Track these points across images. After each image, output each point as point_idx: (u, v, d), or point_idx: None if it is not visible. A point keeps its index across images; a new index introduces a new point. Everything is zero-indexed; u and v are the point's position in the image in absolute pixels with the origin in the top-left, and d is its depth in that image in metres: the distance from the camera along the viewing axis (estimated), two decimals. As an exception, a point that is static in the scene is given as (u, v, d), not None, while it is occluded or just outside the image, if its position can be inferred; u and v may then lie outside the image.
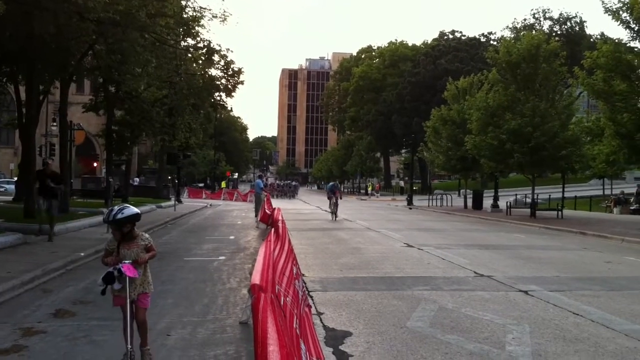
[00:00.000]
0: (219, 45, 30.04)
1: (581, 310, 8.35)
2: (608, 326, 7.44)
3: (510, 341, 6.67)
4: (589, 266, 13.49)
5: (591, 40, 59.88)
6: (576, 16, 78.85)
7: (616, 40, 24.11)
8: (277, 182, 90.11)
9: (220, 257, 14.11)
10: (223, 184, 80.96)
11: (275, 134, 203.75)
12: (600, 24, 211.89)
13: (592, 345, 6.58)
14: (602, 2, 23.91)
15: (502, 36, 67.27)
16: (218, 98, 33.77)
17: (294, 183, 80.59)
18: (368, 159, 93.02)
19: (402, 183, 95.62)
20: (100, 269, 11.76)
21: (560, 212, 32.19)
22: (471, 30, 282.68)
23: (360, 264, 12.96)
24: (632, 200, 40.67)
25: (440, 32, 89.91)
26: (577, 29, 77.66)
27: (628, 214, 37.91)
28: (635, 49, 23.71)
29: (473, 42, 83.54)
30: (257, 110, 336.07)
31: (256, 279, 3.53)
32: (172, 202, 36.93)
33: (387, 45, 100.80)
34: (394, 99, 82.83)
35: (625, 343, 6.70)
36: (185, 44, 28.18)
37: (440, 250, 15.69)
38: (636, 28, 23.26)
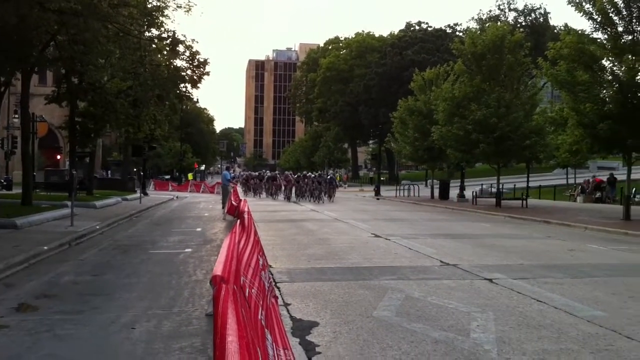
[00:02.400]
0: (184, 36, 29.75)
1: (544, 297, 8.46)
2: (571, 313, 7.56)
3: (475, 328, 6.74)
4: (553, 254, 13.70)
5: (555, 31, 60.61)
6: (540, 7, 79.96)
7: (579, 32, 24.41)
8: (297, 174, 49.71)
9: (187, 250, 14.00)
10: (190, 176, 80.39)
11: (242, 125, 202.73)
12: (564, 15, 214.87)
13: (555, 332, 6.67)
14: (566, -7, 24.20)
15: (468, 27, 67.73)
16: (183, 89, 33.47)
17: (329, 176, 46.14)
18: (336, 150, 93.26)
19: (370, 174, 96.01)
20: (64, 262, 11.65)
21: (524, 201, 32.65)
22: (437, 21, 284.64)
23: (328, 255, 12.96)
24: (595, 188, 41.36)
25: (407, 23, 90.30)
26: (542, 20, 78.66)
27: (591, 203, 38.61)
28: (598, 40, 24.04)
29: (439, 33, 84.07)
30: (224, 102, 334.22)
31: (218, 270, 3.49)
32: (137, 195, 36.53)
33: (354, 36, 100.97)
34: (361, 90, 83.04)
35: (587, 329, 6.81)
36: (150, 34, 27.84)
37: (407, 240, 15.78)
38: (599, 19, 23.57)
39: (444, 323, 6.99)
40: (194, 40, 29.81)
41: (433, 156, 42.07)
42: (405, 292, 8.74)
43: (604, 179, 41.76)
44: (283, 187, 45.01)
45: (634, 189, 34.23)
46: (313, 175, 43.56)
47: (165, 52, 28.47)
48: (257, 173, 53.39)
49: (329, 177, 44.74)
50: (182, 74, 29.52)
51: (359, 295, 8.54)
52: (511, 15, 78.86)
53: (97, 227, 18.42)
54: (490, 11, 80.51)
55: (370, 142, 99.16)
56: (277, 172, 59.95)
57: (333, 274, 10.34)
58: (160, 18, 26.76)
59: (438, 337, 6.38)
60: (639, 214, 25.40)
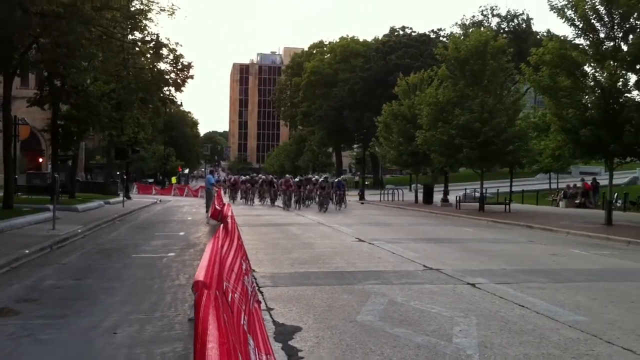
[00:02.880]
0: (168, 39, 29.68)
1: (527, 302, 8.51)
2: (552, 317, 7.60)
3: (458, 333, 6.76)
4: (535, 259, 13.79)
5: (538, 37, 61.11)
6: (523, 13, 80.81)
7: (562, 38, 24.63)
8: (300, 177, 43.17)
9: (170, 254, 13.93)
10: (173, 180, 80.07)
11: (226, 129, 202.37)
12: (547, 21, 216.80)
13: (536, 337, 6.71)
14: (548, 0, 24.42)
15: (451, 33, 68.09)
16: (167, 92, 33.29)
17: (338, 179, 40.01)
18: (320, 154, 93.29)
19: (356, 178, 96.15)
20: (45, 266, 11.54)
21: (507, 206, 32.83)
22: (421, 26, 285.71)
23: (311, 259, 12.95)
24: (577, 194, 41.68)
25: (391, 28, 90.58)
26: (524, 26, 79.30)
27: (573, 207, 38.90)
28: (580, 46, 24.26)
29: (423, 38, 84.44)
30: (208, 105, 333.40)
31: (200, 275, 3.47)
32: (120, 198, 36.28)
33: (338, 40, 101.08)
34: (345, 94, 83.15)
35: (569, 334, 6.85)
36: (133, 37, 27.76)
37: (390, 245, 15.81)
38: (581, 25, 23.79)
39: (426, 328, 7.00)
40: (177, 43, 29.72)
41: (417, 161, 42.22)
42: (389, 296, 8.75)
43: (591, 183, 42.08)
44: (281, 193, 39.01)
45: (615, 194, 34.56)
46: (317, 179, 37.96)
47: (148, 55, 28.35)
48: (247, 176, 46.74)
49: (336, 180, 39.43)
50: (166, 77, 29.38)
51: (342, 300, 8.54)
52: (494, 21, 79.50)
53: (80, 230, 18.28)
54: (473, 17, 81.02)
55: (355, 146, 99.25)
56: (272, 176, 51.89)
57: (316, 279, 10.33)
58: (144, 21, 26.70)
59: (421, 342, 6.40)
60: (621, 219, 25.65)
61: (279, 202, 38.53)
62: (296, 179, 38.58)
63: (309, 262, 12.44)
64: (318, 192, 35.17)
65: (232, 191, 43.60)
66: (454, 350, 6.13)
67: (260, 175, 49.14)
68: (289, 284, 9.80)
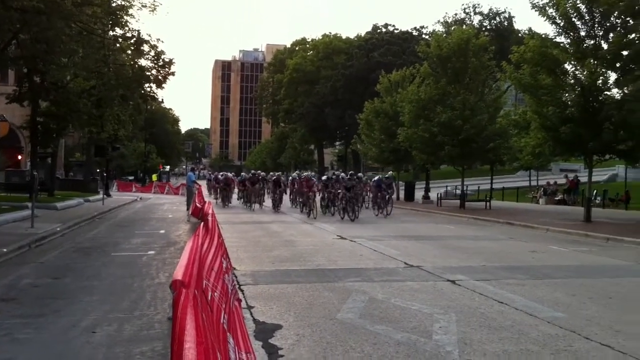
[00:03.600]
0: (149, 35, 29.48)
1: (506, 298, 8.56)
2: (531, 314, 7.65)
3: (437, 330, 6.78)
4: (515, 255, 13.88)
5: (519, 35, 61.49)
6: (505, 11, 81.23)
7: (543, 36, 24.81)
8: (326, 175, 37.61)
9: (150, 252, 13.85)
10: (154, 177, 79.58)
11: (208, 126, 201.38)
12: (528, 20, 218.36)
13: (515, 333, 6.75)
14: (530, -2, 24.58)
15: (434, 30, 68.44)
16: (148, 89, 33.09)
17: (376, 177, 32.54)
18: (302, 151, 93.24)
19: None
20: (24, 265, 11.42)
21: (488, 203, 33.04)
22: (404, 24, 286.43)
23: (293, 257, 12.94)
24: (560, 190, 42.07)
25: (374, 25, 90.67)
26: (506, 24, 79.79)
27: (553, 204, 39.26)
28: (561, 44, 24.46)
29: (405, 35, 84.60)
30: (190, 102, 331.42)
31: (178, 274, 3.45)
32: (100, 196, 36.03)
33: (321, 37, 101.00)
34: (327, 92, 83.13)
35: (548, 330, 6.90)
36: (114, 33, 27.51)
37: (372, 242, 15.83)
38: (562, 24, 23.98)
39: (407, 325, 7.02)
40: (159, 39, 29.56)
41: (399, 158, 42.33)
42: (369, 294, 8.76)
43: (572, 179, 42.46)
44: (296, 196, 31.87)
45: (594, 191, 34.91)
46: (344, 176, 27.32)
47: (129, 52, 28.18)
48: (245, 174, 37.59)
49: (376, 178, 30.67)
50: (147, 73, 29.21)
51: (323, 298, 8.54)
52: (476, 19, 79.95)
53: (58, 229, 18.11)
54: (455, 14, 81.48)
55: (337, 143, 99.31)
56: (278, 173, 42.32)
57: (297, 276, 10.32)
58: (125, 17, 26.46)
59: (401, 339, 6.41)
60: (600, 216, 25.90)
61: (283, 206, 31.06)
62: (323, 177, 30.91)
63: (290, 260, 12.42)
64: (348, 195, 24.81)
65: (224, 191, 34.80)
66: (433, 347, 6.14)
67: (260, 172, 40.54)
68: (270, 282, 9.78)
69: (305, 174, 34.34)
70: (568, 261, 13.15)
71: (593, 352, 6.10)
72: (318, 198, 28.01)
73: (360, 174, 31.35)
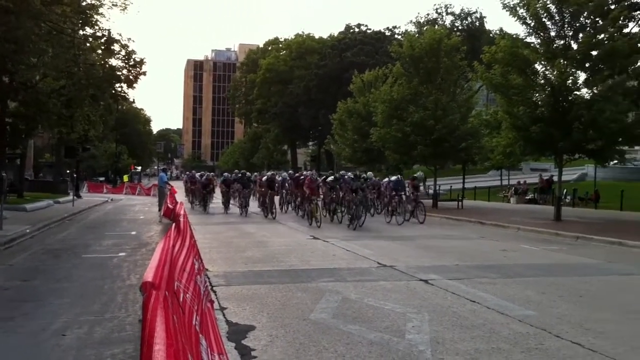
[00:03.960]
0: (120, 35, 29.04)
1: (478, 297, 8.63)
2: (503, 312, 7.72)
3: (410, 329, 6.80)
4: (487, 254, 13.99)
5: (490, 35, 62.08)
6: (476, 12, 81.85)
7: (514, 36, 25.08)
8: (335, 175, 26.83)
9: (121, 254, 13.70)
10: (125, 178, 78.79)
11: (180, 126, 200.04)
12: (500, 20, 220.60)
13: (487, 331, 6.80)
14: (501, -2, 24.82)
15: (406, 30, 68.75)
16: (119, 89, 32.70)
17: (396, 178, 25.74)
18: (275, 151, 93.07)
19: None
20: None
21: (460, 203, 33.28)
22: (377, 24, 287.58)
23: (266, 257, 12.89)
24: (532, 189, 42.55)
25: (347, 25, 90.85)
26: (478, 25, 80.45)
27: (524, 204, 39.70)
28: (532, 45, 24.74)
29: (378, 35, 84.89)
30: (162, 102, 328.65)
31: (149, 276, 3.41)
32: (70, 197, 35.55)
33: (294, 37, 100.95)
34: (301, 92, 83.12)
35: (519, 328, 6.96)
36: (84, 33, 27.17)
37: (345, 242, 15.84)
38: (532, 24, 24.26)
39: (380, 324, 7.03)
40: (130, 39, 29.12)
41: (372, 158, 42.45)
42: (343, 294, 8.76)
43: (547, 179, 42.94)
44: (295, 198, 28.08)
45: (564, 190, 35.36)
46: (350, 176, 23.97)
47: (100, 51, 27.84)
48: (229, 174, 32.82)
49: (392, 178, 25.90)
50: (118, 73, 28.87)
51: (296, 298, 8.52)
52: (448, 19, 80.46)
53: (28, 230, 17.85)
54: (428, 15, 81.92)
55: (310, 143, 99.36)
56: (272, 172, 36.45)
57: (270, 277, 10.28)
58: (95, 16, 26.16)
59: (374, 339, 6.42)
60: (569, 215, 26.25)
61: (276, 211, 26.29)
62: (329, 178, 24.63)
63: (262, 261, 12.38)
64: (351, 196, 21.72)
65: (204, 194, 30.40)
66: (406, 347, 6.16)
67: (259, 173, 37.19)
68: (243, 283, 9.73)
69: (307, 173, 30.06)
70: (539, 260, 13.29)
71: (563, 350, 6.17)
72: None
73: (369, 173, 27.86)
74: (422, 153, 32.14)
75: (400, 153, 34.22)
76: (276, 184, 28.41)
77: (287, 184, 29.75)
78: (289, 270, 11.03)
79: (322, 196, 23.54)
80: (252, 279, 10.18)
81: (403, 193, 24.27)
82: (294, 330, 6.81)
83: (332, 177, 24.87)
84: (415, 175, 27.74)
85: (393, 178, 25.60)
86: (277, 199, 28.28)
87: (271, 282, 9.82)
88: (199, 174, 36.13)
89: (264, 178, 29.01)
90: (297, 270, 11.10)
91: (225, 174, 33.82)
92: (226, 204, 29.49)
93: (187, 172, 39.00)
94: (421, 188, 27.51)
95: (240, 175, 31.04)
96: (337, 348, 6.12)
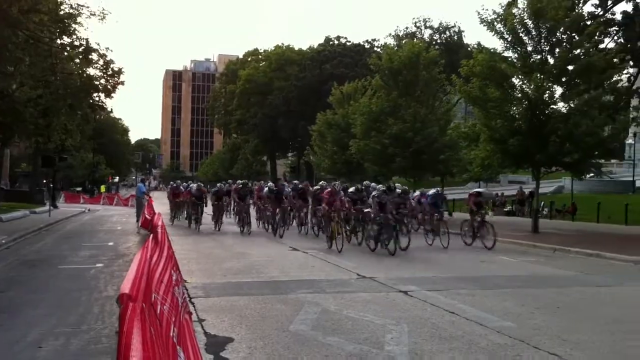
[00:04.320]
0: (98, 44, 28.91)
1: (457, 308, 8.65)
2: (481, 323, 7.74)
3: (389, 341, 6.80)
4: (465, 266, 14.05)
5: (468, 49, 62.69)
6: (455, 26, 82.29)
7: (491, 50, 25.35)
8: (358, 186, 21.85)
9: (98, 265, 13.55)
10: (103, 188, 78.12)
11: (159, 136, 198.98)
12: (478, 34, 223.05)
13: (465, 343, 6.81)
14: (478, 13, 25.10)
15: (385, 43, 69.12)
16: (97, 99, 32.46)
17: (435, 191, 22.04)
18: (255, 162, 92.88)
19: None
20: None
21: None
22: (356, 36, 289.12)
23: (245, 269, 12.83)
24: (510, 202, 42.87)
25: (326, 37, 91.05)
26: (456, 39, 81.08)
27: (502, 215, 39.96)
28: (509, 59, 25.03)
29: (358, 48, 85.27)
30: (140, 112, 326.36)
31: (125, 287, 3.38)
32: (47, 208, 35.15)
33: (273, 48, 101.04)
34: (280, 103, 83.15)
35: (497, 339, 6.99)
36: (61, 42, 26.92)
37: (324, 253, 15.81)
38: (509, 39, 24.56)
39: (359, 336, 7.02)
40: (108, 48, 28.87)
41: (351, 170, 42.52)
42: (322, 305, 8.74)
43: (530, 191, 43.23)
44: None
45: (542, 202, 35.69)
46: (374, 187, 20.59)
47: (77, 60, 27.62)
48: (222, 185, 30.57)
49: (431, 192, 21.90)
50: (96, 83, 28.64)
51: (275, 310, 8.48)
52: (427, 33, 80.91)
53: (3, 241, 17.60)
54: (407, 28, 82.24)
55: (289, 154, 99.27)
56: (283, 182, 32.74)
57: (250, 288, 10.23)
58: (73, 25, 25.93)
59: (352, 351, 6.40)
60: (547, 227, 26.46)
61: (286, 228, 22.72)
62: (350, 189, 20.79)
63: (242, 272, 12.32)
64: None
65: (195, 208, 25.39)
66: (385, 358, 6.17)
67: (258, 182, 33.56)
68: (222, 295, 9.67)
69: (333, 184, 21.91)
70: (517, 271, 13.37)
71: (541, 361, 6.20)
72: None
73: (405, 188, 20.12)
74: (401, 165, 32.31)
75: (379, 165, 34.37)
76: (285, 197, 23.17)
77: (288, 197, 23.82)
78: (269, 282, 10.98)
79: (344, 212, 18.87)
80: (232, 290, 10.12)
81: (443, 210, 20.70)
82: (273, 341, 6.78)
83: (354, 188, 20.72)
84: (480, 190, 22.98)
85: (431, 192, 21.62)
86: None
87: (251, 293, 9.77)
88: (183, 184, 32.34)
89: (266, 189, 24.78)
90: (277, 281, 11.06)
91: (219, 184, 30.84)
92: (218, 220, 24.67)
93: (172, 183, 33.80)
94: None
95: (241, 185, 25.99)
96: (316, 359, 6.10)
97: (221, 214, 25.59)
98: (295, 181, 30.89)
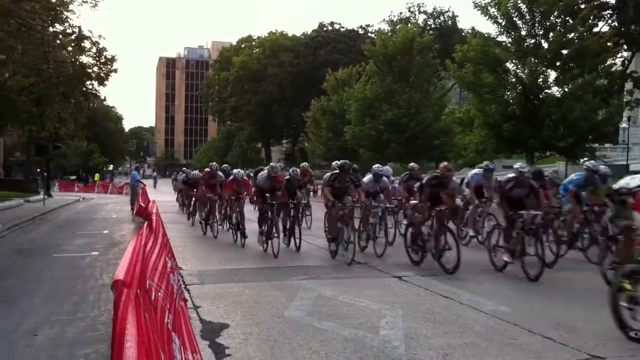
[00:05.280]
0: (90, 32, 28.83)
1: (451, 293, 8.67)
2: (476, 308, 7.77)
3: (384, 325, 6.83)
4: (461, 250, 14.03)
5: (462, 34, 62.59)
6: (449, 11, 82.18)
7: (485, 35, 25.33)
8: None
9: (93, 253, 13.55)
10: (97, 177, 77.98)
11: (153, 124, 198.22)
12: (472, 19, 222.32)
13: (460, 327, 6.85)
14: (473, -3, 25.09)
15: (379, 29, 68.96)
16: (90, 87, 32.35)
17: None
18: (249, 150, 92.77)
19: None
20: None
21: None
22: (350, 22, 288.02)
23: (240, 256, 12.83)
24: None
25: (320, 23, 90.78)
26: (450, 24, 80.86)
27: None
28: (503, 43, 25.02)
29: (352, 34, 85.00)
30: (134, 100, 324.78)
31: (120, 274, 3.37)
32: (41, 196, 35.07)
33: (267, 35, 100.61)
34: (274, 90, 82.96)
35: (492, 324, 7.02)
36: (54, 29, 26.80)
37: (320, 240, 15.76)
38: (503, 23, 24.54)
39: (354, 321, 7.04)
40: (100, 36, 28.88)
41: (346, 156, 42.36)
42: (317, 291, 8.76)
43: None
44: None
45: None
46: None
47: (70, 48, 27.48)
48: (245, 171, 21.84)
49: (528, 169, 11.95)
50: (89, 70, 28.55)
51: (270, 296, 8.50)
52: (421, 18, 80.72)
53: (-3, 230, 17.59)
54: (401, 13, 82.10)
55: (284, 141, 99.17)
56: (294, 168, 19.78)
57: (244, 275, 10.25)
58: (65, 13, 25.81)
59: (348, 335, 6.43)
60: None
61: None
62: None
63: (237, 259, 12.32)
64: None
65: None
66: (380, 342, 6.19)
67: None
68: (217, 281, 9.68)
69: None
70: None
71: (536, 345, 6.24)
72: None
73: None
74: (396, 151, 32.34)
75: (374, 151, 34.43)
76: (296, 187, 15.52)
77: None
78: (264, 269, 11.00)
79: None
80: (227, 277, 10.13)
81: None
82: (268, 327, 6.80)
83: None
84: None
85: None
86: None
87: (245, 280, 9.79)
88: (194, 171, 25.17)
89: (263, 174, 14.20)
90: (272, 268, 11.08)
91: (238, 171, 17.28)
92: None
93: (181, 171, 28.91)
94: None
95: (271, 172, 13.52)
96: (312, 345, 6.12)
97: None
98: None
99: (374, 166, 13.86)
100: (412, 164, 16.22)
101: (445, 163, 11.77)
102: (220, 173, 18.15)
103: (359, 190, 13.03)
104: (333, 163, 15.93)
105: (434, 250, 10.90)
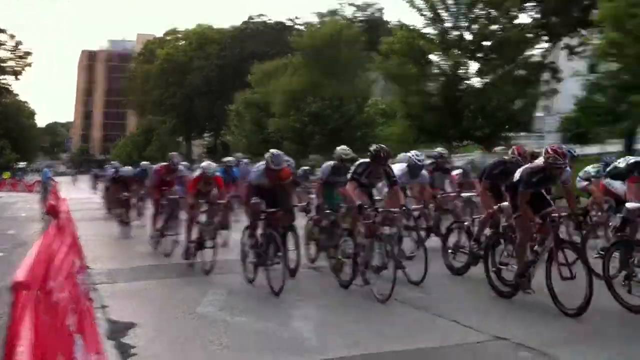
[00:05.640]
0: (6, 25, 27.75)
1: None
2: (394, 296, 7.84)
3: (297, 317, 6.88)
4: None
5: (388, 27, 63.29)
6: (377, 3, 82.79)
7: (411, 27, 25.69)
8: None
9: (-3, 254, 12.99)
10: (5, 175, 74.92)
11: (71, 119, 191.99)
12: (399, 12, 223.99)
13: (367, 313, 6.97)
14: (400, -12, 25.45)
15: (307, 22, 69.05)
16: (3, 81, 31.09)
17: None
18: (170, 143, 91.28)
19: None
20: None
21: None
22: (279, 15, 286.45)
23: (154, 253, 12.44)
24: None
25: (249, 16, 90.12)
26: (377, 16, 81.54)
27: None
28: (427, 35, 25.41)
29: (279, 26, 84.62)
30: (54, 96, 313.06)
31: (20, 276, 3.29)
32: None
33: (194, 27, 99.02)
34: (200, 82, 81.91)
35: (405, 309, 7.14)
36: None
37: (237, 234, 15.56)
38: (429, 15, 24.93)
39: (267, 314, 7.05)
40: (13, 36, 27.80)
41: (269, 149, 42.35)
42: (231, 286, 8.70)
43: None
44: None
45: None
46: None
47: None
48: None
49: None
50: (3, 65, 27.43)
51: (183, 293, 8.35)
52: (350, 10, 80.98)
53: None
54: (329, 6, 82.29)
55: (206, 135, 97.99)
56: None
57: (157, 272, 10.03)
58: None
59: (260, 328, 6.43)
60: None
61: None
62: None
63: (151, 256, 11.98)
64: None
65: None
66: (292, 334, 6.24)
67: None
68: (128, 280, 9.43)
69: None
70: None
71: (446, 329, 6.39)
72: None
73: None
74: (320, 142, 32.49)
75: (298, 143, 34.45)
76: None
77: None
78: (177, 265, 10.44)
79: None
80: (139, 275, 9.82)
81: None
82: (179, 324, 6.71)
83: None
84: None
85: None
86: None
87: (158, 277, 9.58)
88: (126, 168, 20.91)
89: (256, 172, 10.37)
90: (186, 264, 10.64)
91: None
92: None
93: (106, 165, 26.19)
94: None
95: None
96: (223, 340, 6.08)
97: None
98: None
99: (409, 154, 10.64)
100: (439, 149, 13.14)
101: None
102: (181, 167, 14.00)
103: (396, 188, 8.62)
104: (338, 149, 11.34)
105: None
